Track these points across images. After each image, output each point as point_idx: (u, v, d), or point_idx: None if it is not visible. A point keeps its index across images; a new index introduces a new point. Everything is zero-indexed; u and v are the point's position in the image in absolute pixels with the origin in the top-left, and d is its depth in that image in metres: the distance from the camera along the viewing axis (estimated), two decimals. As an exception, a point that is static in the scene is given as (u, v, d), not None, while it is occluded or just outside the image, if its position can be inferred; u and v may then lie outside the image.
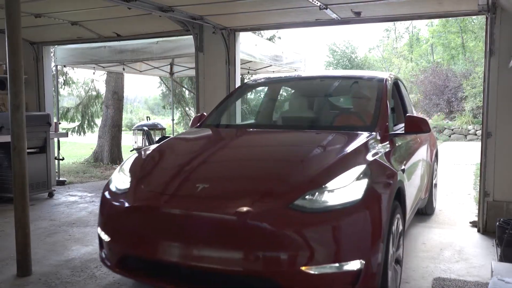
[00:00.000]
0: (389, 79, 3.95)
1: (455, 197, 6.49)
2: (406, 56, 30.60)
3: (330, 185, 2.51)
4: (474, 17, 20.13)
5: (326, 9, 4.78)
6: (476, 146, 10.07)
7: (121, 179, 2.96)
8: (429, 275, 3.46)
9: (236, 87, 4.66)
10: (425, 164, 4.44)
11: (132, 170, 3.02)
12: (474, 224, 4.80)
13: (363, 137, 3.14)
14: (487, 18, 4.47)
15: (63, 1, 5.00)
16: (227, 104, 4.24)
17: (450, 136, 17.87)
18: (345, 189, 2.49)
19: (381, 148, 3.09)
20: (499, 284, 2.53)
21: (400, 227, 3.02)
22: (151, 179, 2.89)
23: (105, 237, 2.78)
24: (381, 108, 3.49)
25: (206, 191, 2.62)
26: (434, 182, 5.24)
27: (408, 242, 4.23)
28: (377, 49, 34.80)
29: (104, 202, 2.91)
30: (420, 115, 5.83)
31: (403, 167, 3.20)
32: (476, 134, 17.03)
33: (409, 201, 3.37)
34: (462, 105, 19.63)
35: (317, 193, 2.47)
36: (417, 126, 3.44)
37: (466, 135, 17.66)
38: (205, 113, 4.14)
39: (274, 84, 4.86)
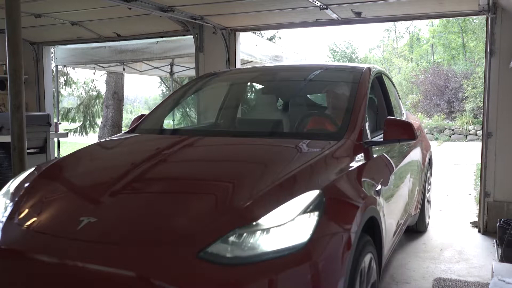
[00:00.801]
0: (369, 72, 3.17)
1: (455, 197, 6.49)
2: (407, 56, 30.59)
3: (264, 221, 1.76)
4: (474, 17, 20.12)
5: (327, 9, 4.77)
6: (477, 146, 10.06)
7: (1, 205, 2.22)
8: (429, 275, 3.46)
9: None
10: (414, 174, 3.75)
11: (15, 193, 2.27)
12: (474, 224, 4.79)
13: (324, 148, 2.39)
14: (487, 18, 4.47)
15: (63, 1, 4.99)
16: (173, 104, 3.55)
17: (450, 136, 17.85)
18: (286, 227, 1.74)
19: (350, 163, 2.37)
20: (500, 284, 2.52)
21: (374, 273, 2.31)
22: (28, 208, 2.12)
23: None
24: (355, 109, 2.73)
25: (90, 229, 1.85)
26: (427, 194, 4.55)
27: (409, 242, 4.23)
28: (378, 49, 34.83)
29: None
30: (415, 117, 5.40)
31: (379, 187, 2.46)
32: (476, 135, 17.00)
33: (388, 230, 2.66)
34: (463, 105, 19.61)
35: (244, 234, 1.72)
36: (400, 132, 2.71)
37: (466, 135, 17.64)
38: (145, 113, 3.47)
39: (235, 78, 4.04)
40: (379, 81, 3.53)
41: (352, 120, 2.66)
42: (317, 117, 3.16)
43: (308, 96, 3.67)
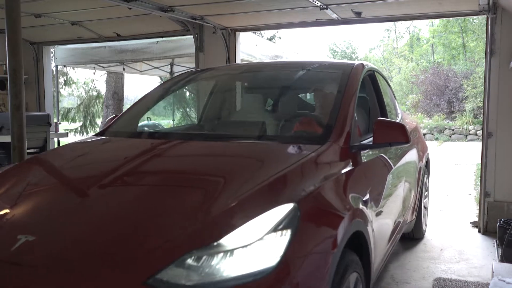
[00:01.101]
0: (360, 69, 2.93)
1: (455, 197, 6.48)
2: (407, 56, 30.59)
3: (227, 240, 1.51)
4: (474, 17, 20.12)
5: (327, 9, 4.77)
6: (477, 146, 10.06)
7: None
8: (429, 275, 3.46)
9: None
10: (410, 178, 3.51)
11: None
12: (474, 224, 4.79)
13: (305, 154, 2.11)
14: (487, 18, 4.47)
15: (63, 1, 5.00)
16: (148, 104, 3.30)
17: (450, 136, 17.85)
18: (253, 248, 1.50)
19: (334, 170, 2.11)
20: (500, 284, 2.53)
21: None
22: None
23: None
24: (342, 109, 2.46)
25: (26, 249, 1.58)
26: (424, 199, 4.31)
27: (409, 242, 4.23)
28: (378, 49, 34.83)
29: None
30: (412, 118, 5.32)
31: (367, 196, 2.21)
32: (476, 134, 17.00)
33: (379, 244, 2.42)
34: (463, 105, 19.61)
35: (204, 257, 1.47)
36: (391, 135, 2.45)
37: (466, 135, 17.64)
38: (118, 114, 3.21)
39: (217, 76, 3.71)
40: (372, 79, 3.27)
41: (339, 121, 2.39)
42: (302, 118, 2.81)
43: (296, 95, 3.39)
